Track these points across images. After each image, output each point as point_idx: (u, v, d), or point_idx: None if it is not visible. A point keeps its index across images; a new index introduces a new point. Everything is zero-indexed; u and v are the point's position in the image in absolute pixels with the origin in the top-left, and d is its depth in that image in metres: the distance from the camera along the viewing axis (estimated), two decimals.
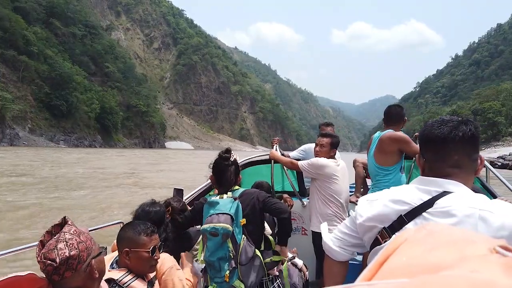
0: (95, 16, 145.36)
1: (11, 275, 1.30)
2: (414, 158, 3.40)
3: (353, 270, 1.27)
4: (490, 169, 3.52)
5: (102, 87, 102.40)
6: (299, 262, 2.99)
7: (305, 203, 3.85)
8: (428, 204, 1.02)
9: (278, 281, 2.43)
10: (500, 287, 0.24)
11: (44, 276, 1.35)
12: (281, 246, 2.43)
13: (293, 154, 4.28)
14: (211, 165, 2.41)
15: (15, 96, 67.32)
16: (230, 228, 2.12)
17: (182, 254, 2.36)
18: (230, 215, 2.15)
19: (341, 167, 3.30)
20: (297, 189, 3.99)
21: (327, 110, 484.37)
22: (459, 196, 1.00)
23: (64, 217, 1.44)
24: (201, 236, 2.35)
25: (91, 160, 31.93)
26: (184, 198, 3.12)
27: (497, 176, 3.26)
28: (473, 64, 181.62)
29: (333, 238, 1.29)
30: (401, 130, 3.39)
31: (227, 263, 2.14)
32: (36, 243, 1.41)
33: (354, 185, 4.19)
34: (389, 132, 3.17)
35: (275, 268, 2.40)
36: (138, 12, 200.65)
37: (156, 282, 1.93)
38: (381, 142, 3.17)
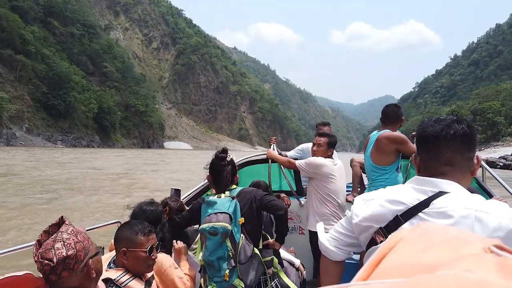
0: (93, 16, 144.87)
1: (8, 275, 1.29)
2: (411, 157, 3.42)
3: (350, 270, 1.29)
4: (486, 169, 3.53)
5: (100, 87, 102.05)
6: (297, 261, 2.98)
7: (302, 202, 3.85)
8: (424, 204, 1.02)
9: (276, 279, 2.44)
10: (494, 287, 0.24)
11: (41, 276, 1.34)
12: (279, 243, 2.44)
13: (291, 153, 4.26)
14: (207, 166, 2.42)
15: (12, 95, 67.02)
16: (229, 227, 2.13)
17: (176, 246, 2.36)
18: (228, 214, 2.16)
19: (338, 167, 3.31)
20: (295, 189, 3.99)
21: (326, 110, 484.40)
22: (455, 196, 1.00)
23: (62, 216, 1.43)
24: (199, 236, 2.37)
25: (87, 160, 31.60)
26: (182, 197, 3.13)
27: (493, 176, 3.28)
28: (472, 64, 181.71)
29: (329, 238, 1.29)
30: (399, 130, 3.39)
31: (227, 262, 2.14)
32: (33, 242, 1.40)
33: (351, 185, 4.19)
34: (386, 132, 3.17)
35: (272, 267, 2.42)
36: (137, 12, 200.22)
37: (154, 281, 1.93)
38: (378, 142, 3.17)
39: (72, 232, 1.38)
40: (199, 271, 2.36)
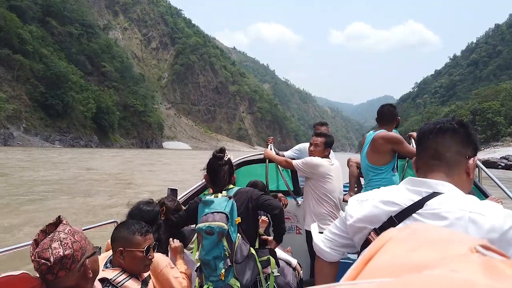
0: (92, 16, 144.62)
1: (4, 275, 1.29)
2: (407, 157, 3.53)
3: (347, 269, 1.22)
4: (482, 169, 3.55)
5: (99, 87, 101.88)
6: (293, 261, 2.99)
7: (299, 202, 3.85)
8: (418, 205, 1.02)
9: (272, 279, 2.45)
10: (479, 286, 0.24)
11: (38, 275, 1.34)
12: (276, 242, 2.46)
13: (288, 153, 4.28)
14: (205, 168, 2.44)
15: (9, 95, 66.76)
16: (226, 227, 2.14)
17: (172, 245, 2.37)
18: (225, 213, 2.17)
19: (335, 167, 3.32)
20: (292, 188, 4.02)
21: (325, 110, 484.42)
22: (448, 197, 1.00)
23: (59, 216, 1.43)
24: (195, 235, 2.38)
25: (83, 161, 31.36)
26: (178, 197, 3.13)
27: (489, 176, 3.30)
28: (471, 64, 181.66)
29: (323, 239, 1.29)
30: (396, 130, 3.41)
31: (223, 262, 2.15)
32: (30, 242, 1.40)
33: (348, 184, 4.21)
34: (382, 132, 3.18)
35: (269, 266, 2.42)
36: (136, 11, 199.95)
37: (150, 281, 1.93)
38: (374, 142, 3.18)
39: (70, 231, 1.38)
40: (196, 270, 2.36)
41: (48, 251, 1.30)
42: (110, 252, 1.92)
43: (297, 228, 3.93)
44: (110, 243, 1.94)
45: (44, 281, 1.33)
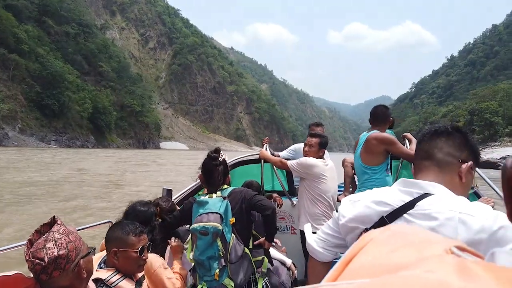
0: (89, 15, 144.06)
1: None
2: (401, 158, 3.58)
3: None
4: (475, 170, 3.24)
5: (96, 87, 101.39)
6: (288, 261, 3.03)
7: (294, 202, 3.87)
8: (409, 206, 1.03)
9: (265, 278, 2.48)
10: (452, 287, 0.25)
11: (32, 275, 1.34)
12: (268, 243, 2.47)
13: (283, 153, 4.28)
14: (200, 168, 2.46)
15: (5, 95, 66.31)
16: (220, 227, 2.16)
17: (172, 243, 2.40)
18: (219, 214, 2.19)
19: (330, 167, 3.34)
20: (287, 189, 4.03)
21: (323, 111, 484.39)
22: (439, 198, 1.01)
23: (54, 216, 1.43)
24: (190, 235, 2.39)
25: (77, 161, 30.99)
26: (173, 198, 3.15)
27: (481, 176, 3.35)
28: (469, 64, 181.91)
29: (316, 239, 1.29)
30: (392, 131, 3.48)
31: (217, 262, 2.18)
32: (24, 242, 1.39)
33: (343, 184, 4.22)
34: (375, 132, 3.21)
35: (262, 266, 2.45)
36: (134, 11, 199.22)
37: (145, 282, 1.93)
38: (368, 143, 3.20)
39: (64, 232, 1.38)
40: (189, 270, 2.38)
41: (43, 251, 1.30)
42: (104, 253, 1.92)
43: (292, 228, 3.95)
44: (104, 243, 1.94)
45: (38, 281, 1.33)
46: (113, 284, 1.72)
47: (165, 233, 2.43)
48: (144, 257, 1.86)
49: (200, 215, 2.21)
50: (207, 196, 2.32)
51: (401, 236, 0.38)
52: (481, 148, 58.75)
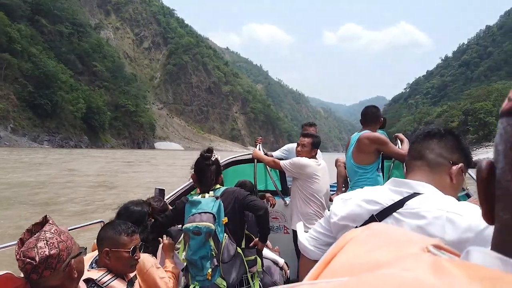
0: (83, 15, 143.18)
1: None
2: (393, 158, 3.60)
3: None
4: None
5: (89, 86, 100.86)
6: (281, 260, 3.06)
7: (287, 202, 3.88)
8: (398, 205, 1.05)
9: (258, 278, 2.49)
10: (426, 285, 0.25)
11: (22, 275, 1.33)
12: (261, 243, 2.48)
13: (276, 153, 4.29)
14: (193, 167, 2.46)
15: None
16: (213, 227, 2.17)
17: (164, 241, 2.40)
18: (212, 214, 2.19)
19: (322, 167, 3.36)
20: (280, 188, 4.05)
21: (318, 111, 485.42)
22: (428, 197, 1.04)
23: (45, 215, 1.43)
24: (182, 235, 2.42)
25: (67, 162, 30.60)
26: (166, 197, 3.15)
27: (472, 176, 3.36)
28: (463, 65, 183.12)
29: (308, 237, 1.31)
30: (384, 131, 3.56)
31: (209, 262, 2.18)
32: (15, 242, 1.39)
33: (336, 184, 4.21)
34: (367, 132, 3.24)
35: (255, 266, 2.46)
36: (128, 11, 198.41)
37: (136, 282, 1.93)
38: (359, 142, 3.22)
39: (56, 231, 1.38)
40: (182, 270, 2.38)
41: (34, 250, 1.29)
42: (96, 253, 1.90)
43: (285, 228, 3.96)
44: (96, 243, 1.93)
45: (28, 281, 1.32)
46: (105, 284, 1.71)
47: (157, 233, 2.41)
48: (136, 257, 1.85)
49: (193, 215, 2.21)
50: (200, 196, 2.32)
51: (381, 235, 0.39)
52: (475, 148, 59.07)
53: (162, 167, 29.35)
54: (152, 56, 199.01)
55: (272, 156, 4.01)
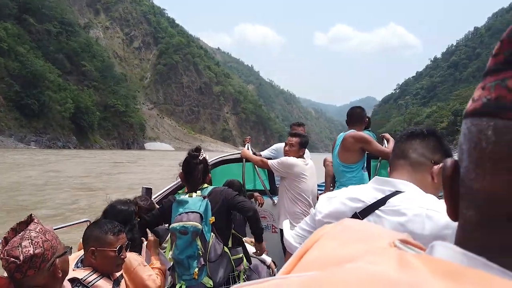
0: (72, 14, 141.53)
1: None
2: (379, 157, 3.65)
3: None
4: None
5: (78, 86, 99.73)
6: (268, 259, 3.10)
7: (275, 201, 3.93)
8: (381, 202, 1.09)
9: (244, 276, 2.51)
10: (390, 278, 0.26)
11: (6, 274, 1.32)
12: (257, 243, 2.50)
13: (265, 153, 4.30)
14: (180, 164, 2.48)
15: None
16: (200, 227, 2.18)
17: (149, 237, 2.41)
18: (199, 213, 2.20)
19: (310, 166, 3.41)
20: (268, 188, 4.09)
21: (309, 111, 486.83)
22: (409, 196, 1.07)
23: (30, 214, 1.42)
24: (169, 234, 2.41)
25: (52, 162, 29.98)
26: (153, 197, 3.17)
27: None
28: (451, 66, 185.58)
29: (293, 235, 1.32)
30: (371, 132, 3.68)
31: (196, 261, 2.19)
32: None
33: (324, 184, 4.26)
34: (352, 131, 3.30)
35: (242, 264, 2.47)
36: (118, 10, 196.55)
37: (123, 281, 1.93)
38: (344, 141, 3.28)
39: (41, 230, 1.37)
40: (168, 269, 2.39)
41: (18, 249, 1.29)
42: (82, 252, 1.89)
43: (273, 227, 3.99)
44: (81, 242, 1.92)
45: (12, 280, 1.31)
46: (90, 284, 1.70)
47: (143, 232, 2.40)
48: (122, 256, 1.84)
49: (180, 214, 2.22)
50: (187, 195, 2.32)
51: (351, 231, 0.40)
52: None
53: (150, 168, 28.95)
54: (143, 56, 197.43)
55: (260, 155, 4.06)
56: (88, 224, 2.24)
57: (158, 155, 62.22)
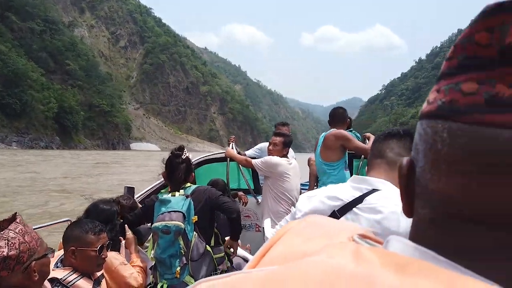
0: (56, 12, 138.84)
1: None
2: (361, 156, 3.72)
3: None
4: None
5: (62, 85, 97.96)
6: (251, 257, 2.88)
7: (259, 200, 3.96)
8: (358, 200, 1.11)
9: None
10: (346, 270, 0.27)
11: None
12: (232, 241, 2.51)
13: (249, 152, 4.33)
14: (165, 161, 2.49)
15: None
16: (182, 226, 2.18)
17: (127, 235, 2.39)
18: (182, 212, 2.21)
19: (293, 166, 3.43)
20: (252, 187, 4.16)
21: (296, 112, 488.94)
22: (385, 194, 1.09)
23: (15, 213, 1.41)
24: (151, 234, 2.41)
25: (33, 163, 29.32)
26: (136, 196, 3.16)
27: None
28: (436, 67, 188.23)
29: (274, 232, 1.47)
30: (355, 133, 3.81)
31: (178, 260, 2.20)
32: None
33: (308, 183, 4.29)
34: (333, 130, 3.36)
35: (224, 262, 2.48)
36: (103, 9, 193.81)
37: (103, 280, 1.92)
38: (326, 140, 3.34)
39: (20, 231, 1.35)
40: (150, 268, 2.40)
41: None
42: (62, 252, 1.88)
43: (257, 226, 4.03)
44: (61, 242, 1.91)
45: None
46: (70, 284, 1.68)
47: (122, 231, 2.39)
48: (103, 256, 1.84)
49: (162, 213, 2.21)
50: (170, 194, 2.32)
51: (315, 227, 0.41)
52: None
53: (133, 169, 28.51)
54: (129, 55, 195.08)
55: (245, 155, 4.07)
56: (69, 223, 2.22)
57: (144, 156, 61.47)
